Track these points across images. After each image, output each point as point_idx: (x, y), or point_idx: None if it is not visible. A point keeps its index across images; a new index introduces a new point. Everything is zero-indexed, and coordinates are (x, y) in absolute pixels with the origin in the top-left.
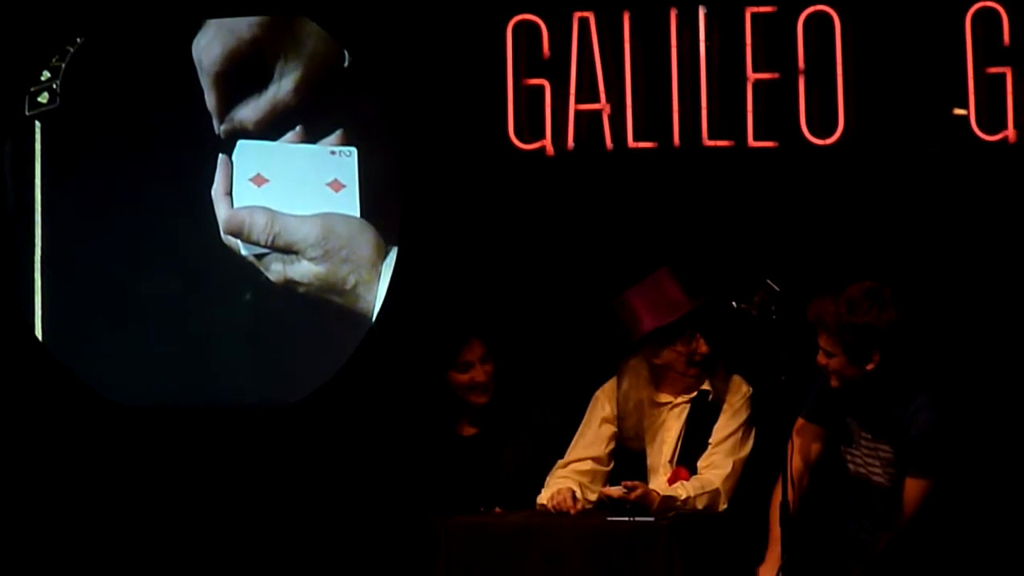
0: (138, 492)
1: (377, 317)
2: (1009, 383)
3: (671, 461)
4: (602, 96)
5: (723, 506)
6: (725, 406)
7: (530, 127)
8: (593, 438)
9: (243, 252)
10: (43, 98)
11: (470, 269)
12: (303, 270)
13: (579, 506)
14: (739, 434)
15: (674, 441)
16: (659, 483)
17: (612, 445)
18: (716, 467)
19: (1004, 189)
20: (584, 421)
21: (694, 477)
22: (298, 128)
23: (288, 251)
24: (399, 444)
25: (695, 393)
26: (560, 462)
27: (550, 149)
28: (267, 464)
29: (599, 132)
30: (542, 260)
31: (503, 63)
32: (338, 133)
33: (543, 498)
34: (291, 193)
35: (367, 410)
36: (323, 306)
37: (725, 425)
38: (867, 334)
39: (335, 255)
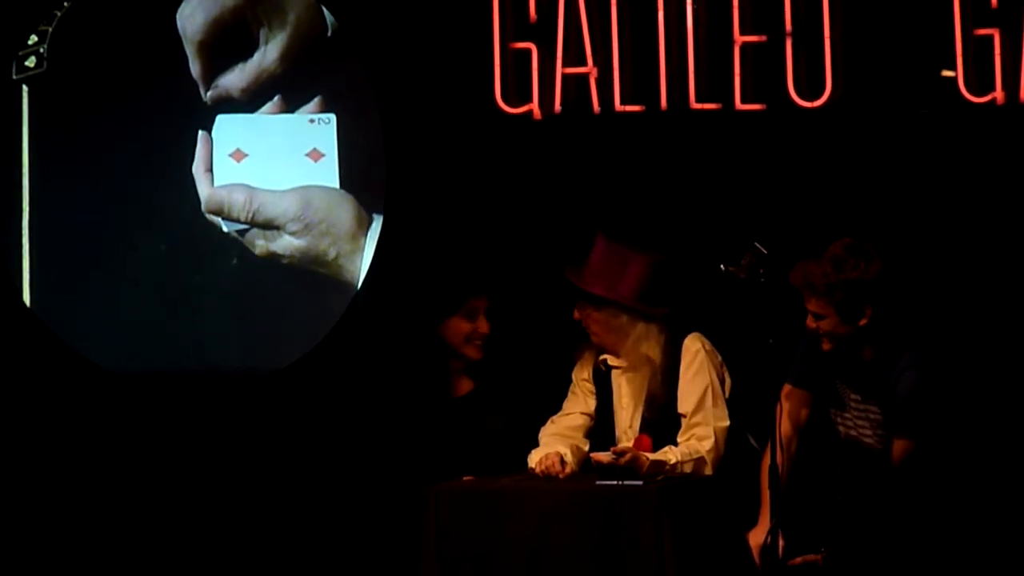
0: (125, 457)
1: (363, 283)
2: (996, 342)
3: (630, 427)
4: (589, 59)
5: (708, 473)
6: (683, 366)
7: (517, 91)
8: (581, 394)
9: (225, 229)
10: (30, 62)
11: (457, 234)
12: (284, 244)
13: (567, 470)
14: (708, 400)
15: (631, 409)
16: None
17: (594, 405)
18: (700, 437)
19: (992, 151)
20: (572, 384)
21: (682, 443)
22: (276, 98)
23: (268, 227)
24: (388, 409)
25: (638, 358)
26: (553, 417)
27: (537, 113)
28: (255, 430)
29: (586, 96)
30: (529, 224)
31: (490, 27)
32: (316, 100)
33: (533, 460)
34: (270, 166)
35: (356, 375)
36: (308, 277)
37: (689, 392)
38: (858, 289)
39: (314, 228)
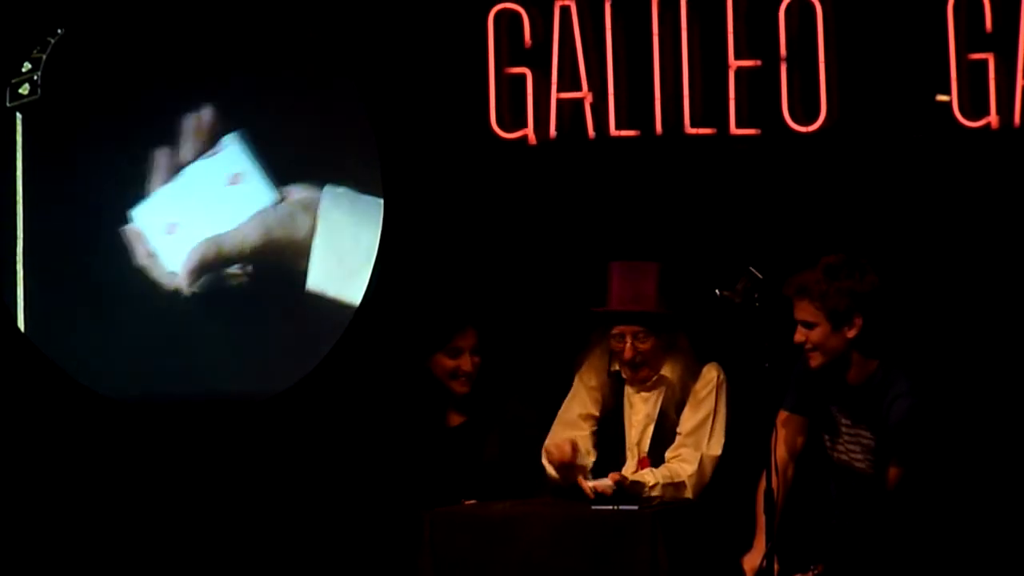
0: (121, 483)
1: (359, 307)
2: (992, 366)
3: (638, 445)
4: (584, 84)
5: (688, 497)
6: (695, 388)
7: (512, 116)
8: (589, 401)
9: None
10: (24, 90)
11: (452, 259)
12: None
13: (578, 459)
14: (707, 427)
15: (641, 427)
16: (631, 467)
17: (599, 412)
18: (684, 460)
19: (987, 175)
20: (575, 385)
21: (663, 465)
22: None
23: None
24: (384, 436)
25: (655, 379)
26: (561, 421)
27: (532, 138)
28: (251, 456)
29: (581, 121)
30: (524, 250)
31: (484, 52)
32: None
33: (549, 446)
34: (205, 216)
35: (351, 401)
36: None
37: (691, 416)
38: (850, 297)
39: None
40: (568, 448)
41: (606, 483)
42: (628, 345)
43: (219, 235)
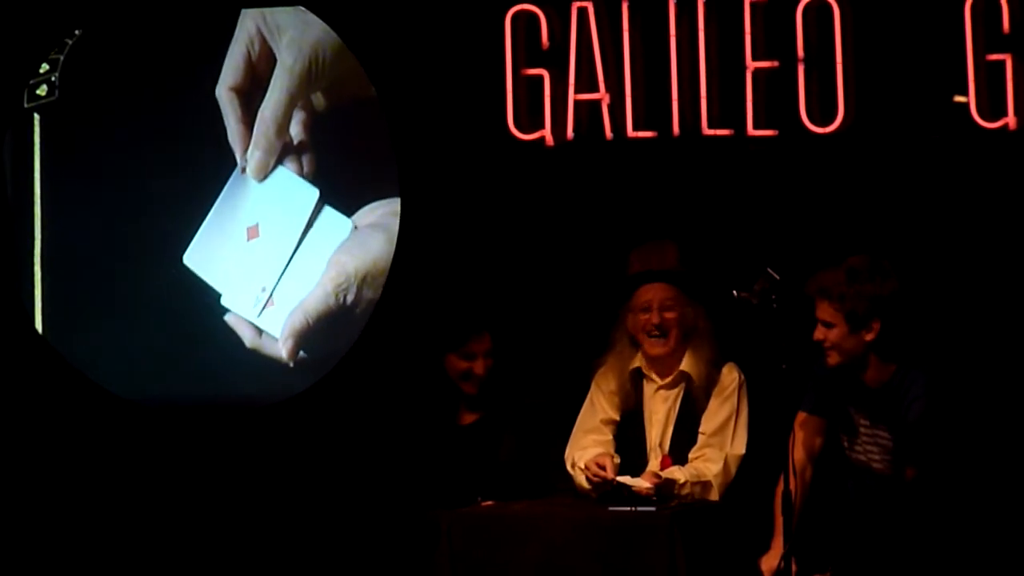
0: (137, 485)
1: (376, 309)
2: (1010, 366)
3: (660, 445)
4: (601, 86)
5: (714, 498)
6: (716, 390)
7: (529, 117)
8: (608, 407)
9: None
10: (42, 91)
11: (469, 260)
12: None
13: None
14: (730, 426)
15: (661, 426)
16: (653, 467)
17: (618, 415)
18: (709, 460)
19: (1004, 176)
20: (592, 391)
21: (689, 464)
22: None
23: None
24: (398, 436)
25: (676, 375)
26: (582, 428)
27: (549, 139)
28: (265, 459)
29: (598, 122)
30: (541, 250)
31: (502, 53)
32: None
33: (580, 461)
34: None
35: (365, 402)
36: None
37: (715, 413)
38: (870, 301)
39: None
40: (607, 462)
41: (644, 484)
42: (655, 312)
43: (306, 301)
